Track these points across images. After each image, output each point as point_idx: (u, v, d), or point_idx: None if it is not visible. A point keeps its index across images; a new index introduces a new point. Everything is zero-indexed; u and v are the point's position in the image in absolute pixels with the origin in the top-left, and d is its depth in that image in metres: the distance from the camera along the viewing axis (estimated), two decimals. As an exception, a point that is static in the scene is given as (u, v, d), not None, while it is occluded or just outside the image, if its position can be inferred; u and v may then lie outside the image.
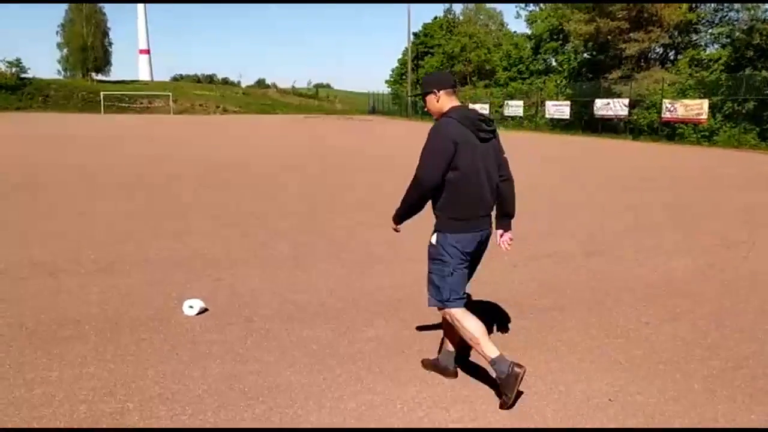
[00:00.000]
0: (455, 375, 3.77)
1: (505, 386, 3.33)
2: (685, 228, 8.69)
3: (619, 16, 33.25)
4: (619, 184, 13.51)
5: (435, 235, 3.50)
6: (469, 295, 4.17)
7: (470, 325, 3.43)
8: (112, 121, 45.47)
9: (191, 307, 4.87)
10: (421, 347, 4.26)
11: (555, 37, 47.33)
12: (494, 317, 4.89)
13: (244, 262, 6.46)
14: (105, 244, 7.26)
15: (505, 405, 3.35)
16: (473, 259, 3.59)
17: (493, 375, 3.45)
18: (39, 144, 22.77)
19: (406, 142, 25.46)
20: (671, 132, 29.32)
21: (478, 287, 5.59)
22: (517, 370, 3.30)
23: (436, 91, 3.51)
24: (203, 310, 4.89)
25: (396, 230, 3.73)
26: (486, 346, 3.39)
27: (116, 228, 8.13)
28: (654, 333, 4.65)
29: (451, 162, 3.31)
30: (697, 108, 26.90)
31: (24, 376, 3.73)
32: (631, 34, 33.10)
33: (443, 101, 3.51)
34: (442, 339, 3.89)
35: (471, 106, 29.13)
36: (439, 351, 3.91)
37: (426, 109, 3.63)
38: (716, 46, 36.14)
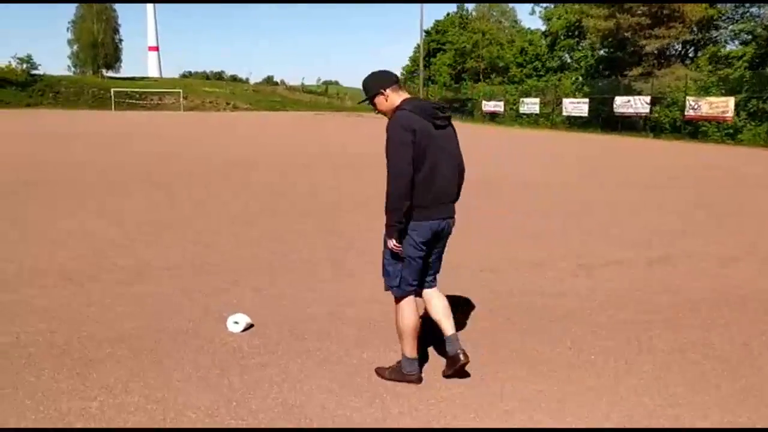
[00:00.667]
0: (465, 359, 3.57)
1: (393, 372, 3.60)
2: (732, 230, 8.20)
3: (639, 12, 32.61)
4: (643, 183, 12.99)
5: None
6: (423, 285, 3.73)
7: (408, 317, 3.52)
8: (123, 119, 45.26)
9: (236, 323, 4.42)
10: (503, 371, 3.79)
11: (571, 33, 46.75)
12: (568, 333, 4.42)
13: (281, 268, 6.04)
14: (127, 247, 6.84)
15: (379, 371, 3.66)
16: (432, 250, 3.59)
17: (392, 364, 3.68)
18: (51, 141, 22.44)
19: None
20: (694, 130, 28.69)
21: (545, 299, 5.14)
22: (416, 378, 3.57)
23: (383, 90, 3.47)
24: (249, 326, 4.44)
25: (398, 250, 3.43)
26: (410, 344, 3.54)
27: (136, 229, 7.71)
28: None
29: (413, 150, 3.29)
30: (722, 106, 26.29)
31: (59, 407, 3.29)
32: (651, 31, 32.44)
33: (392, 98, 3.47)
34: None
35: (485, 103, 28.85)
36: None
37: (378, 112, 3.57)
38: (736, 42, 35.51)
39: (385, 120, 3.48)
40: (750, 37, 32.81)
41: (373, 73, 3.59)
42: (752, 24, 32.88)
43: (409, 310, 3.53)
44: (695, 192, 12.05)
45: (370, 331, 4.45)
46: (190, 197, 10.30)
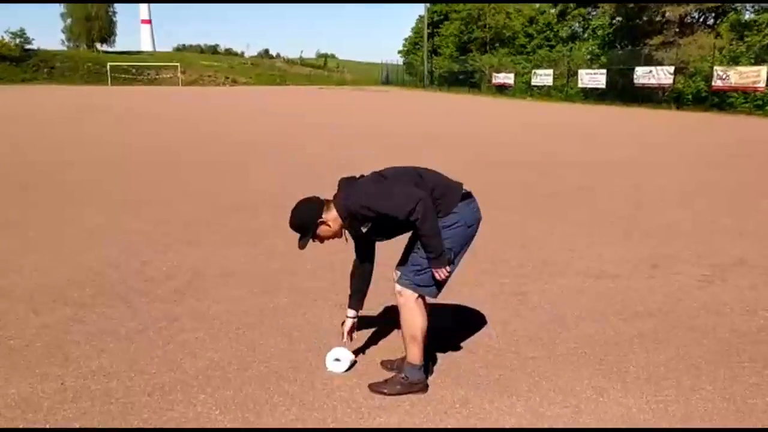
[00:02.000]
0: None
1: (396, 384, 3.21)
2: None
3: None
4: (713, 161, 11.95)
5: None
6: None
7: (423, 318, 3.17)
8: (148, 95, 43.84)
9: (338, 360, 3.46)
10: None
11: (583, 1, 45.25)
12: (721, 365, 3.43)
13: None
14: (164, 246, 5.84)
15: (376, 388, 3.23)
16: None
17: (393, 368, 3.40)
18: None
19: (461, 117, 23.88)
20: (720, 101, 27.55)
21: (704, 318, 4.12)
22: (425, 387, 3.23)
23: (321, 218, 3.08)
24: (353, 364, 3.46)
25: (449, 272, 3.11)
26: (421, 349, 3.20)
27: (165, 225, 6.68)
28: None
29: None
30: (753, 75, 25.13)
31: None
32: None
33: (331, 216, 3.09)
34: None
35: (495, 75, 27.94)
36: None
37: (327, 239, 3.18)
38: (756, 8, 34.16)
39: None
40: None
41: (297, 212, 3.16)
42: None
43: (422, 310, 3.18)
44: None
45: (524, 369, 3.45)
46: (231, 183, 9.24)
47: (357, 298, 3.47)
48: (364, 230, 3.08)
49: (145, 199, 8.09)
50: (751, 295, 4.72)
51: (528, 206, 7.80)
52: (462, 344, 3.83)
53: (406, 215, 2.91)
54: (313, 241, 3.14)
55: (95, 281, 4.94)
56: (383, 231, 3.12)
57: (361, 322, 4.05)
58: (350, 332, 3.43)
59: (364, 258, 3.41)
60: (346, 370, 3.44)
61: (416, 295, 3.15)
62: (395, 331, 3.94)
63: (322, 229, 3.11)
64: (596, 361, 3.61)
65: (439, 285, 3.15)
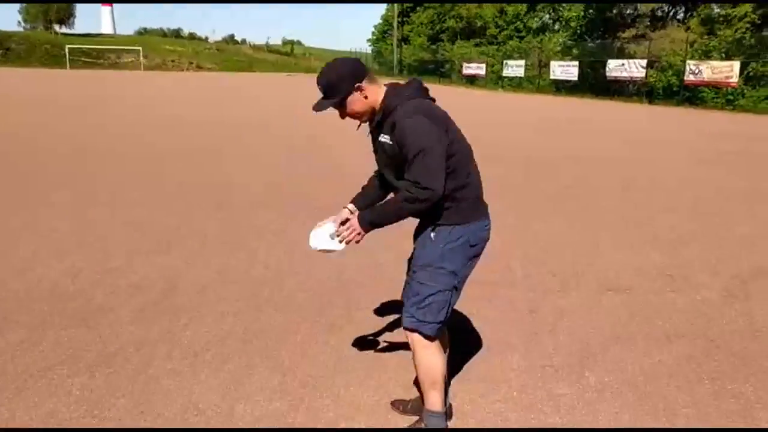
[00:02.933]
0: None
1: None
2: None
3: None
4: (705, 158, 11.67)
5: (438, 233, 2.58)
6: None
7: (441, 359, 2.69)
8: (93, 79, 42.31)
9: (315, 236, 2.67)
10: None
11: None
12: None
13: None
14: (129, 252, 5.21)
15: None
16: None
17: (407, 409, 2.95)
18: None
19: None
20: (692, 95, 27.55)
21: (740, 341, 3.70)
22: None
23: (361, 84, 2.52)
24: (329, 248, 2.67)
25: (358, 241, 2.60)
26: (441, 392, 2.69)
27: (131, 227, 6.05)
28: None
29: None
30: (726, 70, 25.11)
31: None
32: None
33: (372, 92, 2.54)
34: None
35: (465, 65, 27.47)
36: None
37: (349, 116, 2.60)
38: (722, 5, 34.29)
39: None
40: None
41: (337, 64, 2.58)
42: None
43: (439, 348, 2.69)
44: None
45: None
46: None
47: (362, 196, 2.87)
48: (382, 140, 2.55)
49: (106, 199, 7.41)
50: (782, 312, 4.33)
51: (525, 207, 7.35)
52: (480, 378, 3.33)
53: (409, 180, 2.42)
54: (336, 107, 2.58)
55: (51, 296, 4.31)
56: (386, 161, 2.61)
57: (364, 344, 3.55)
58: (342, 222, 2.65)
59: (383, 182, 2.81)
60: (323, 249, 2.67)
61: (427, 334, 2.64)
62: (408, 358, 3.43)
63: (354, 98, 2.54)
64: (636, 398, 3.15)
65: (447, 315, 2.65)
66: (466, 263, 2.63)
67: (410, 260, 2.76)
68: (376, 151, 2.66)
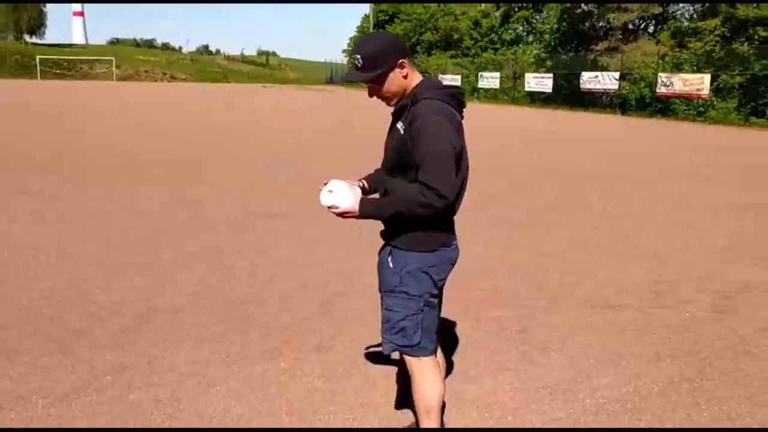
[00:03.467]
0: None
1: None
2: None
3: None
4: (682, 172, 11.77)
5: (394, 255, 2.46)
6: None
7: (437, 383, 2.53)
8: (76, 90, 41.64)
9: (330, 191, 2.45)
10: None
11: (526, 5, 45.61)
12: None
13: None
14: (106, 271, 5.03)
15: None
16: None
17: None
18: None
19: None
20: (664, 107, 27.96)
21: (735, 358, 3.66)
22: None
23: (404, 60, 2.35)
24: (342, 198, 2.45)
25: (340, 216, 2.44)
26: (438, 421, 2.55)
27: (106, 244, 5.87)
28: None
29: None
30: (697, 83, 25.54)
31: None
32: (622, 3, 31.47)
33: (411, 73, 2.39)
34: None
35: (441, 76, 27.68)
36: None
37: (382, 95, 2.41)
38: (690, 15, 34.96)
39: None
40: (710, 12, 32.22)
41: (379, 36, 2.44)
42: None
43: (435, 373, 2.55)
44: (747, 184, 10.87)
45: None
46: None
47: (372, 179, 2.67)
48: (398, 126, 2.40)
49: (78, 212, 7.21)
50: (771, 328, 4.31)
51: (507, 220, 7.30)
52: (472, 401, 3.24)
53: (424, 184, 2.24)
54: (371, 82, 2.37)
55: (23, 319, 4.14)
56: (391, 147, 2.45)
57: (354, 366, 3.43)
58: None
59: None
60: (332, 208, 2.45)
61: (417, 357, 2.53)
62: (402, 378, 3.34)
63: (395, 75, 2.35)
64: (633, 421, 3.08)
65: (423, 337, 2.50)
66: (431, 283, 2.48)
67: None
68: (389, 133, 2.50)
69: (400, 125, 2.39)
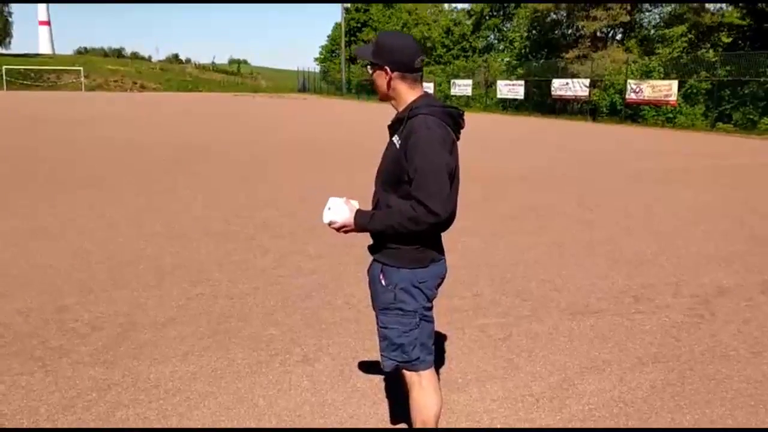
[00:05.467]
0: None
1: None
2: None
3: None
4: (650, 177, 11.98)
5: (386, 273, 2.46)
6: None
7: (436, 398, 2.54)
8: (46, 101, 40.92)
9: (329, 209, 2.45)
10: None
11: (496, 13, 46.10)
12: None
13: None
14: (84, 285, 4.96)
15: None
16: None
17: None
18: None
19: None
20: (633, 114, 28.45)
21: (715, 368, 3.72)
22: None
23: (392, 73, 2.40)
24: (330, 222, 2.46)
25: (340, 231, 2.46)
26: None
27: (84, 258, 5.78)
28: None
29: None
30: (665, 89, 26.02)
31: None
32: (590, 12, 31.97)
33: (400, 88, 2.43)
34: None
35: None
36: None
37: (371, 85, 2.51)
38: (660, 24, 35.66)
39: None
40: (677, 19, 32.92)
41: (401, 37, 2.45)
42: (677, 6, 33.01)
43: (434, 386, 2.56)
44: (719, 187, 11.09)
45: None
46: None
47: None
48: (393, 140, 2.42)
49: (51, 227, 7.10)
50: (747, 331, 4.41)
51: (485, 227, 7.36)
52: (461, 410, 3.26)
53: (417, 199, 2.26)
54: (360, 60, 2.40)
55: (1, 336, 4.06)
56: (386, 161, 2.45)
57: (342, 377, 3.42)
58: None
59: None
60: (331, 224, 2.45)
61: (416, 371, 2.54)
62: (392, 387, 3.35)
63: (380, 74, 2.42)
64: (621, 425, 3.13)
65: (423, 351, 2.50)
66: (424, 297, 2.48)
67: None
68: (386, 147, 2.51)
69: (396, 139, 2.41)
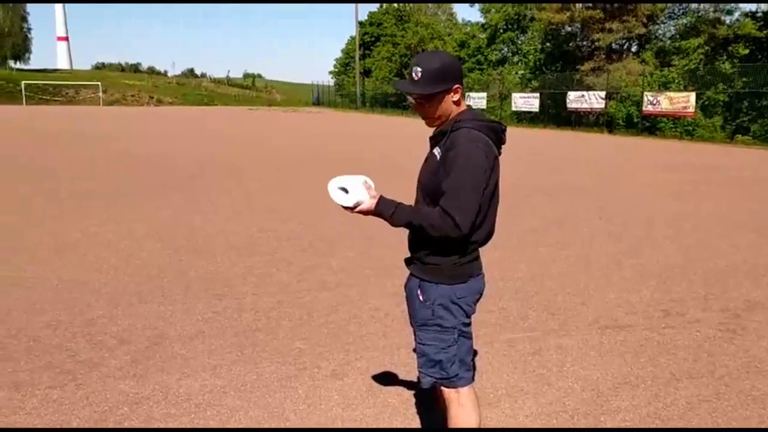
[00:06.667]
0: None
1: None
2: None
3: (591, 5, 32.09)
4: (662, 188, 11.89)
5: (424, 288, 2.43)
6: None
7: (476, 414, 2.51)
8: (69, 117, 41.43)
9: (344, 189, 2.41)
10: None
11: (511, 26, 46.16)
12: None
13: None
14: (111, 299, 4.97)
15: None
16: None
17: None
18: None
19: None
20: (651, 126, 28.30)
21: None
22: None
23: (459, 86, 2.34)
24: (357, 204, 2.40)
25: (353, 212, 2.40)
26: None
27: (109, 273, 5.80)
28: None
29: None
30: (683, 101, 25.88)
31: None
32: (606, 24, 31.94)
33: (459, 101, 2.37)
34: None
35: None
36: None
37: (426, 113, 2.39)
38: (676, 36, 35.58)
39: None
40: (693, 32, 32.83)
41: (444, 55, 2.38)
42: (694, 18, 32.95)
43: (473, 404, 2.53)
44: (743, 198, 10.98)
45: None
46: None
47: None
48: (435, 152, 2.39)
49: (77, 241, 7.14)
50: (781, 347, 4.33)
51: (508, 241, 7.31)
52: (495, 426, 3.22)
53: (443, 209, 2.23)
54: (420, 98, 2.33)
55: (32, 349, 4.08)
56: (426, 173, 2.42)
57: (372, 392, 3.39)
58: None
59: None
60: (351, 207, 2.40)
61: (454, 388, 2.51)
62: (423, 402, 3.32)
63: (447, 98, 2.33)
64: (657, 444, 3.08)
65: (462, 368, 2.48)
66: (463, 313, 2.46)
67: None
68: (426, 159, 2.48)
69: (437, 151, 2.38)
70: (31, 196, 9.92)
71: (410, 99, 2.42)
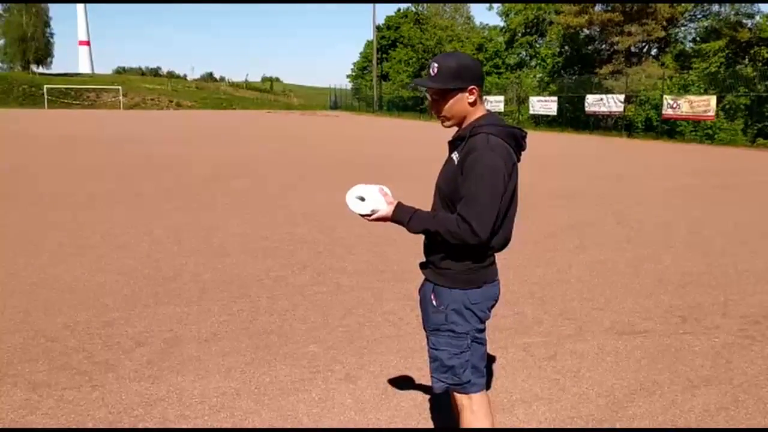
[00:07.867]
0: None
1: None
2: None
3: (611, 8, 31.88)
4: (682, 192, 11.75)
5: (437, 293, 2.43)
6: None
7: (485, 422, 2.48)
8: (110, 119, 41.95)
9: (361, 198, 2.43)
10: None
11: (530, 30, 45.99)
12: None
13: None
14: (127, 301, 5.01)
15: None
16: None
17: None
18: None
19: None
20: (670, 129, 28.03)
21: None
22: None
23: (475, 88, 2.32)
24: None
25: (378, 219, 2.41)
26: None
27: (127, 275, 5.85)
28: None
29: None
30: (703, 105, 25.60)
31: None
32: (624, 27, 31.71)
33: (476, 104, 2.35)
34: None
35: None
36: None
37: (442, 112, 2.38)
38: (696, 38, 35.24)
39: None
40: (713, 35, 32.49)
41: (464, 55, 2.38)
42: (715, 21, 32.61)
43: (486, 410, 2.50)
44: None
45: None
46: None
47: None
48: (453, 157, 2.37)
49: (95, 243, 7.22)
50: (802, 354, 4.26)
51: (524, 245, 7.26)
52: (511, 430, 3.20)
53: (461, 216, 2.22)
54: (436, 94, 2.33)
55: (50, 350, 4.12)
56: (443, 177, 2.41)
57: (385, 396, 3.38)
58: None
59: None
60: (368, 215, 2.41)
61: (467, 394, 2.49)
62: (438, 409, 3.31)
63: (462, 97, 2.32)
64: (673, 452, 3.04)
65: (474, 374, 2.45)
66: (477, 319, 2.43)
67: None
68: (444, 163, 2.47)
69: (455, 156, 2.36)
70: (52, 197, 10.04)
71: (428, 97, 2.42)
